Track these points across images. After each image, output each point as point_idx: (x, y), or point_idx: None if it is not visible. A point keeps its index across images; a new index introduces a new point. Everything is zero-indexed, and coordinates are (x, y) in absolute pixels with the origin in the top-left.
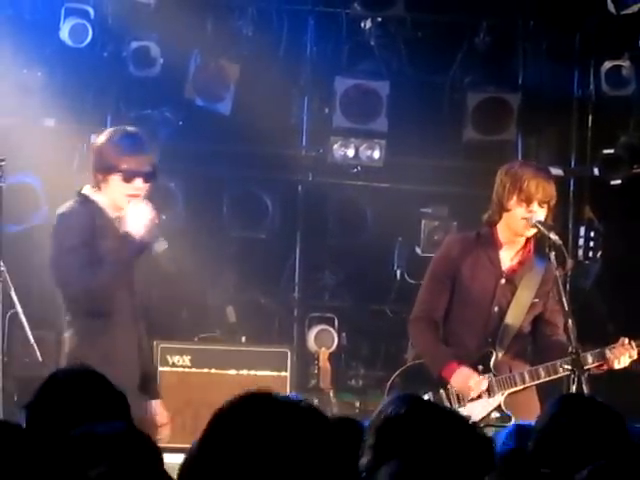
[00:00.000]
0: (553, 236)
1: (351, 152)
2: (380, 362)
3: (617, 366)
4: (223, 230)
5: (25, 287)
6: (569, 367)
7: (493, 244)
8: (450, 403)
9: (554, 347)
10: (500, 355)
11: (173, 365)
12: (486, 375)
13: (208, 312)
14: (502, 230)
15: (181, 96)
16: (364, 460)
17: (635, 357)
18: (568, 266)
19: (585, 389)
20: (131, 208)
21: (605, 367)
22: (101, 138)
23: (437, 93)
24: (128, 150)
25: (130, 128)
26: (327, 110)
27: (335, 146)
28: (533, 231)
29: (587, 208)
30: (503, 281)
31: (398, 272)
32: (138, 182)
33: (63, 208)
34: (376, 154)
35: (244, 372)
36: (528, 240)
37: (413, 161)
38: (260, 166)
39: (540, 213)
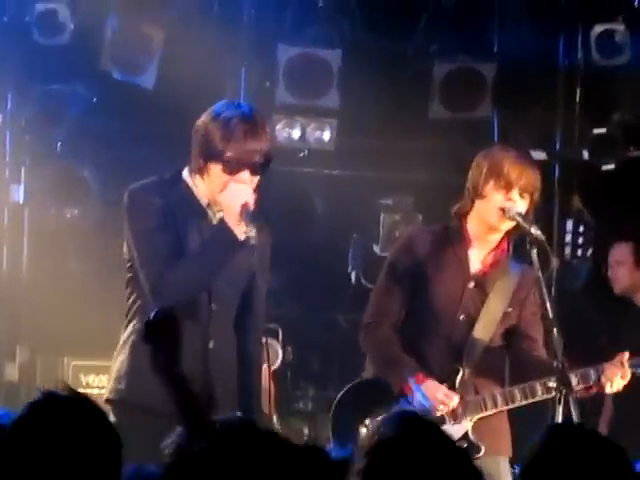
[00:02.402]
0: (535, 231)
1: (297, 133)
2: (333, 381)
3: (609, 390)
4: None
5: None
6: (554, 385)
7: (462, 240)
8: None
9: (533, 365)
10: (466, 373)
11: (87, 386)
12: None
13: None
14: (473, 223)
15: (95, 68)
16: None
17: (627, 379)
18: (553, 266)
19: (573, 412)
20: (230, 189)
21: (595, 390)
22: (206, 115)
23: (398, 63)
24: (237, 133)
25: (244, 104)
26: (268, 84)
27: (278, 126)
28: (510, 225)
29: (575, 198)
30: (472, 285)
31: (353, 274)
32: (244, 174)
33: (137, 183)
34: (326, 135)
35: None
36: (502, 239)
37: (370, 143)
38: (190, 149)
39: (520, 204)
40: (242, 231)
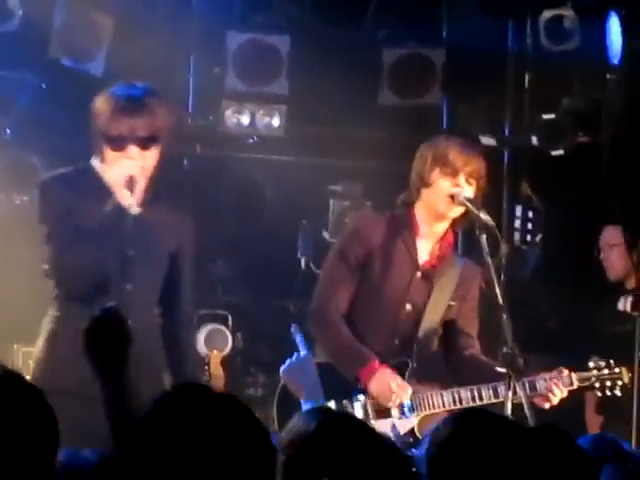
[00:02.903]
0: (484, 216)
1: (246, 119)
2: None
3: (549, 402)
4: None
5: None
6: (504, 370)
7: (410, 229)
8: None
9: (467, 363)
10: (414, 366)
11: None
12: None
13: None
14: (420, 212)
15: (44, 55)
16: None
17: (565, 393)
18: (502, 252)
19: (523, 398)
20: (117, 164)
21: (535, 401)
22: (100, 96)
23: (347, 49)
24: (117, 110)
25: (141, 85)
26: (217, 70)
27: (227, 112)
28: (458, 211)
29: (524, 184)
30: (419, 274)
31: (302, 261)
32: (132, 150)
33: (48, 174)
34: (275, 122)
35: None
36: (448, 231)
37: (319, 130)
38: None
39: (468, 190)
40: (130, 204)
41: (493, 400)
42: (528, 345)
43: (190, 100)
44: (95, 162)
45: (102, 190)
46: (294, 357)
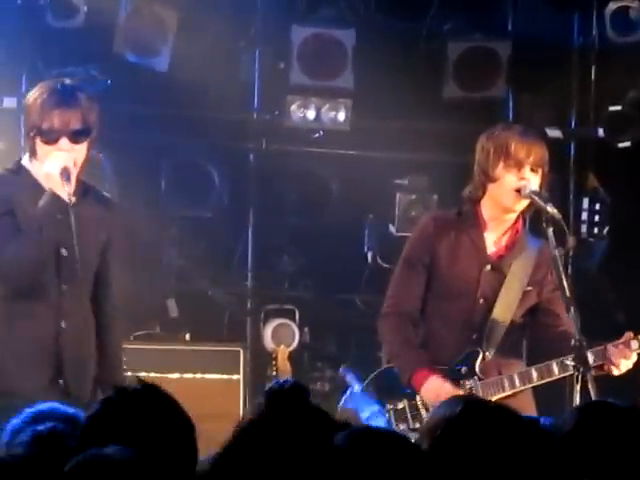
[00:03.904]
0: (551, 209)
1: (312, 114)
2: (349, 361)
3: (618, 370)
4: (161, 208)
5: None
6: (572, 363)
7: (476, 224)
8: (426, 411)
9: (560, 339)
10: (489, 355)
11: None
12: (467, 383)
13: (145, 305)
14: (487, 207)
15: (109, 50)
16: None
17: (633, 360)
18: (569, 244)
19: (591, 389)
20: (50, 157)
21: (606, 369)
22: (31, 94)
23: (412, 42)
24: (49, 104)
25: (65, 80)
26: (282, 65)
27: (293, 107)
28: (524, 204)
29: (591, 176)
30: (488, 267)
31: (369, 255)
32: (63, 143)
33: None
34: (341, 116)
35: (189, 376)
36: (517, 219)
37: (385, 124)
38: (204, 132)
39: (533, 181)
40: (68, 192)
41: (563, 374)
42: (596, 337)
43: (255, 95)
44: (25, 161)
45: (37, 188)
46: (348, 393)
